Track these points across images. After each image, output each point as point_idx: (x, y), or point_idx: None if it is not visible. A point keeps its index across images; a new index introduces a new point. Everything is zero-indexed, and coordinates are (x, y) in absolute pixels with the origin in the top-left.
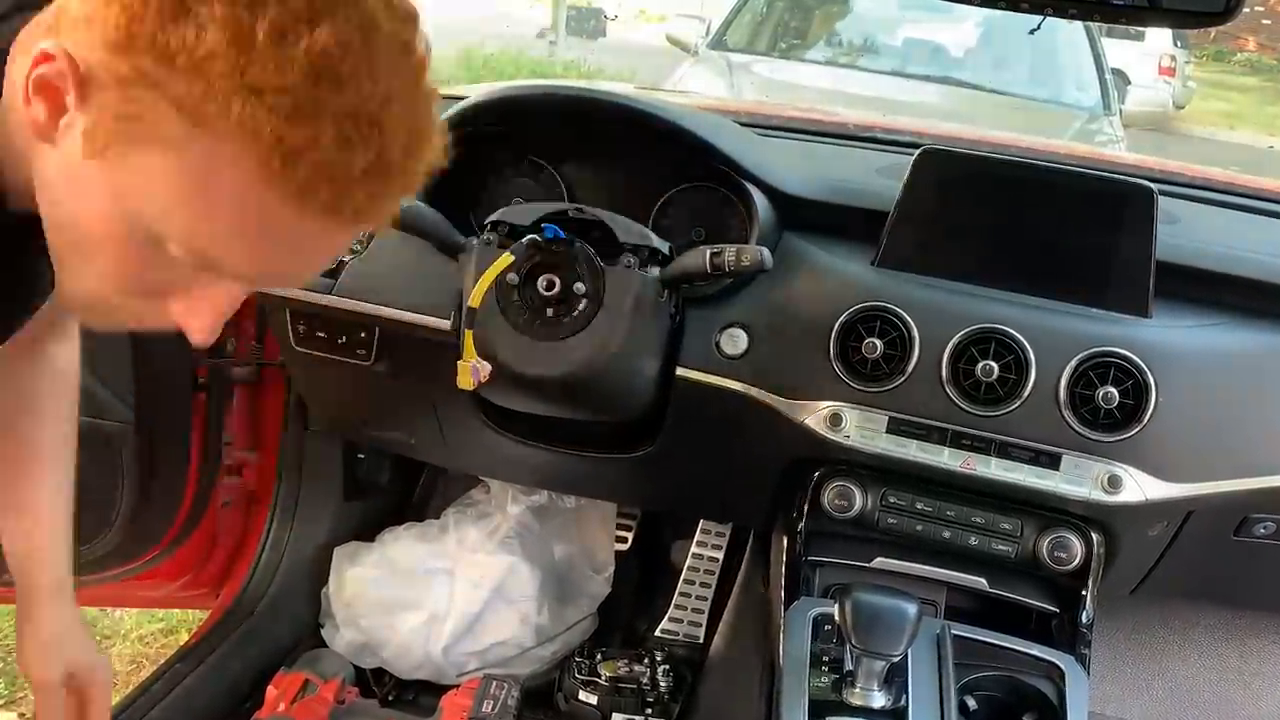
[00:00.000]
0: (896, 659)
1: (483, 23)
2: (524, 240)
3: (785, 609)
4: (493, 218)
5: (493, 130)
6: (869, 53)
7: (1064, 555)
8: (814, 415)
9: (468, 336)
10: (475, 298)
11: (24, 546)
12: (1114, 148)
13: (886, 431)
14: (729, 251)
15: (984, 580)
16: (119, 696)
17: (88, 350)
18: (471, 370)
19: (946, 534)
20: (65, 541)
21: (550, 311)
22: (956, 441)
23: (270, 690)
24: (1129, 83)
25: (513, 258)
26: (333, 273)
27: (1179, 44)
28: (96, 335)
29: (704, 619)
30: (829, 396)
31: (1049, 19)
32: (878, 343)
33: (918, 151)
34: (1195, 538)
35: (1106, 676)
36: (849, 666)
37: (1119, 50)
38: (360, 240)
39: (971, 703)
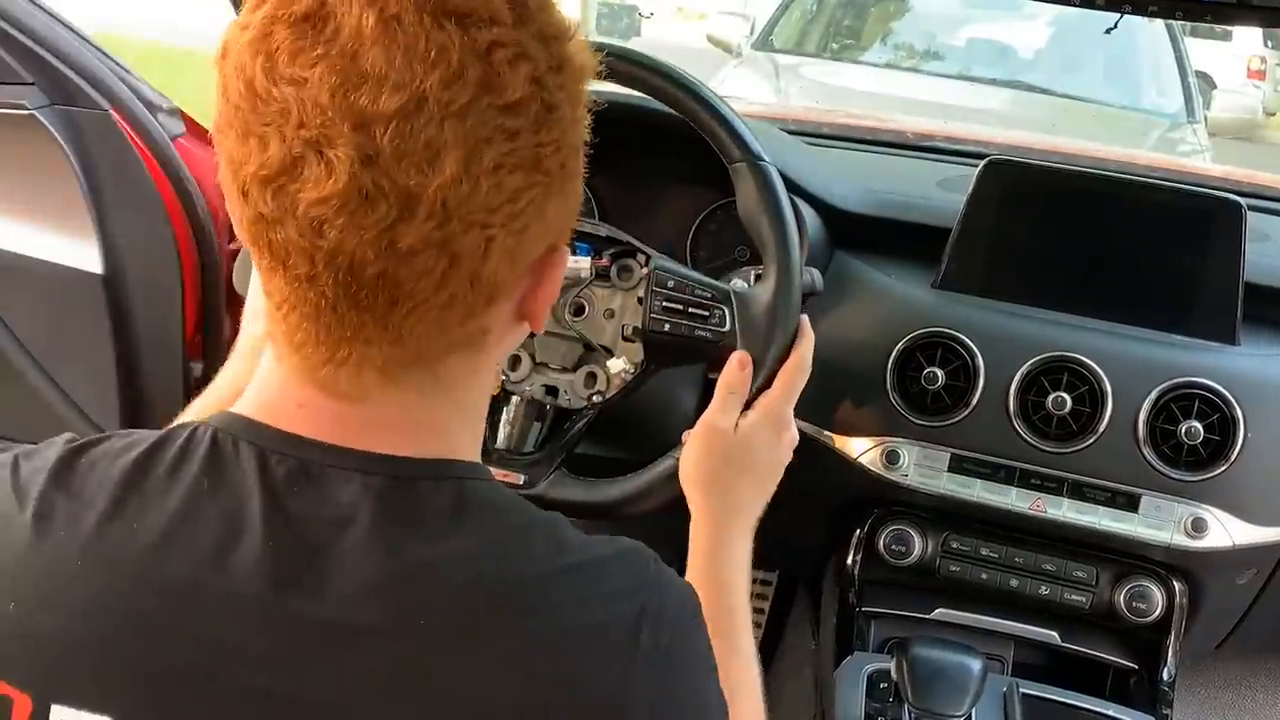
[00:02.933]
0: None
1: None
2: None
3: (837, 665)
4: None
5: None
6: (929, 54)
7: (1143, 606)
8: (869, 452)
9: None
10: None
11: None
12: (1198, 158)
13: (948, 470)
14: None
15: (1055, 633)
16: None
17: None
18: None
19: (1014, 583)
20: None
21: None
22: (1025, 481)
23: None
24: (1215, 87)
25: None
26: None
27: (1270, 44)
28: (73, 362)
29: None
30: (885, 431)
31: (1127, 17)
32: (939, 372)
33: (983, 162)
34: None
35: None
36: None
37: (1204, 51)
38: None
39: None
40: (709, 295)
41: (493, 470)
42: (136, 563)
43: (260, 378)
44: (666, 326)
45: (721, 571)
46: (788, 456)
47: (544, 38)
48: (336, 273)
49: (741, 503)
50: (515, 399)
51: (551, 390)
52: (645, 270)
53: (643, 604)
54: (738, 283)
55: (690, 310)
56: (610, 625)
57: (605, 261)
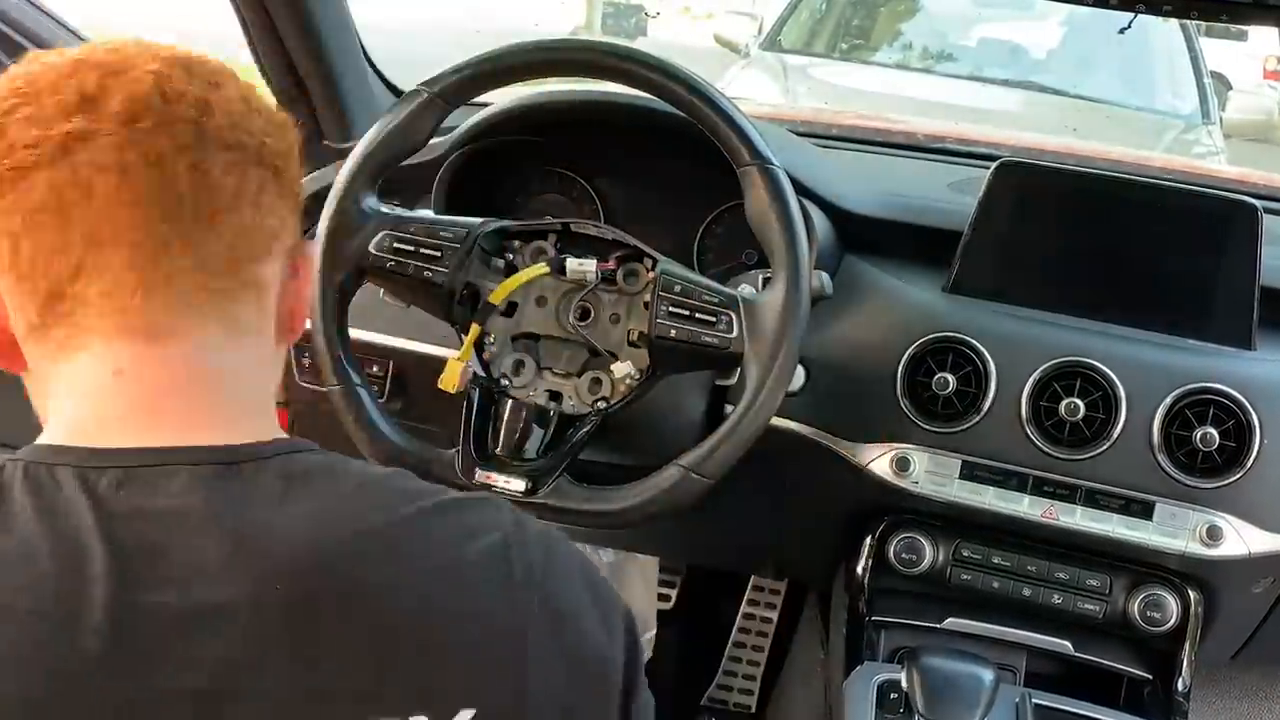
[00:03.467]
0: None
1: (509, 24)
2: (563, 259)
3: (846, 675)
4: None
5: (519, 141)
6: (940, 54)
7: (1158, 615)
8: (879, 459)
9: (473, 332)
10: (498, 295)
11: None
12: (1214, 160)
13: (959, 477)
14: None
15: (1068, 643)
16: None
17: None
18: (462, 372)
19: (1026, 592)
20: None
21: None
22: (1038, 488)
23: None
24: (1230, 88)
25: (548, 269)
26: None
27: None
28: None
29: (756, 686)
30: (895, 438)
31: (1141, 16)
32: (950, 378)
33: (995, 164)
34: None
35: None
36: None
37: (1219, 52)
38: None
39: None
40: (716, 301)
41: (494, 476)
42: None
43: (66, 393)
44: (673, 332)
45: None
46: None
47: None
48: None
49: None
50: (517, 404)
51: (555, 396)
52: (651, 275)
53: (504, 534)
54: (745, 288)
55: (697, 316)
56: (478, 560)
57: (611, 265)
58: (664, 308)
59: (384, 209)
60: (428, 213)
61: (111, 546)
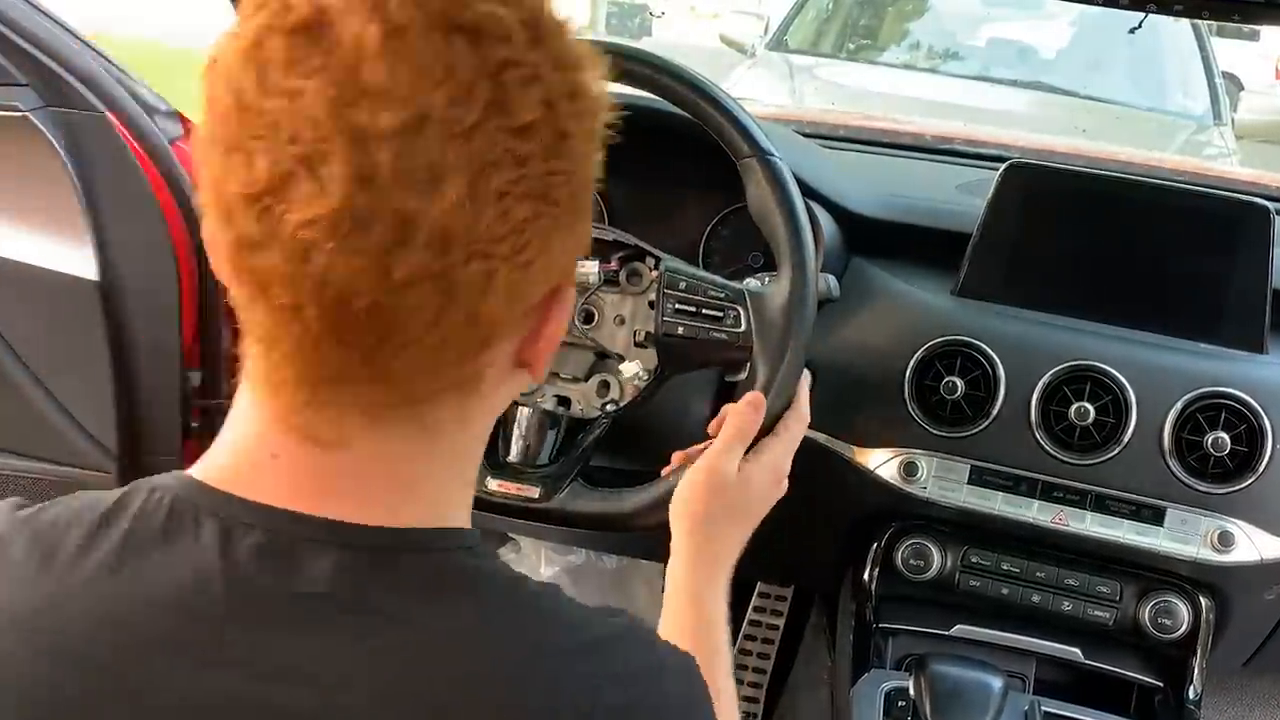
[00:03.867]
0: None
1: None
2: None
3: (853, 682)
4: None
5: None
6: (948, 54)
7: (1169, 622)
8: (886, 464)
9: None
10: None
11: None
12: (1225, 161)
13: (968, 482)
14: None
15: (1078, 650)
16: None
17: (61, 389)
18: None
19: (1036, 598)
20: None
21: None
22: (1047, 493)
23: None
24: (1242, 88)
25: None
26: None
27: None
28: (68, 370)
29: (762, 694)
30: (903, 443)
31: (1152, 16)
32: (958, 382)
33: (1004, 166)
34: None
35: None
36: None
37: (1231, 52)
38: None
39: None
40: (722, 295)
41: (506, 484)
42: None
43: (232, 425)
44: (680, 329)
45: (708, 612)
46: (770, 507)
47: (560, 63)
48: (323, 303)
49: (730, 545)
50: (527, 411)
51: (564, 401)
52: (655, 274)
53: (644, 690)
54: (751, 282)
55: (704, 312)
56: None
57: (614, 265)
58: (670, 305)
59: None
60: None
61: (240, 622)
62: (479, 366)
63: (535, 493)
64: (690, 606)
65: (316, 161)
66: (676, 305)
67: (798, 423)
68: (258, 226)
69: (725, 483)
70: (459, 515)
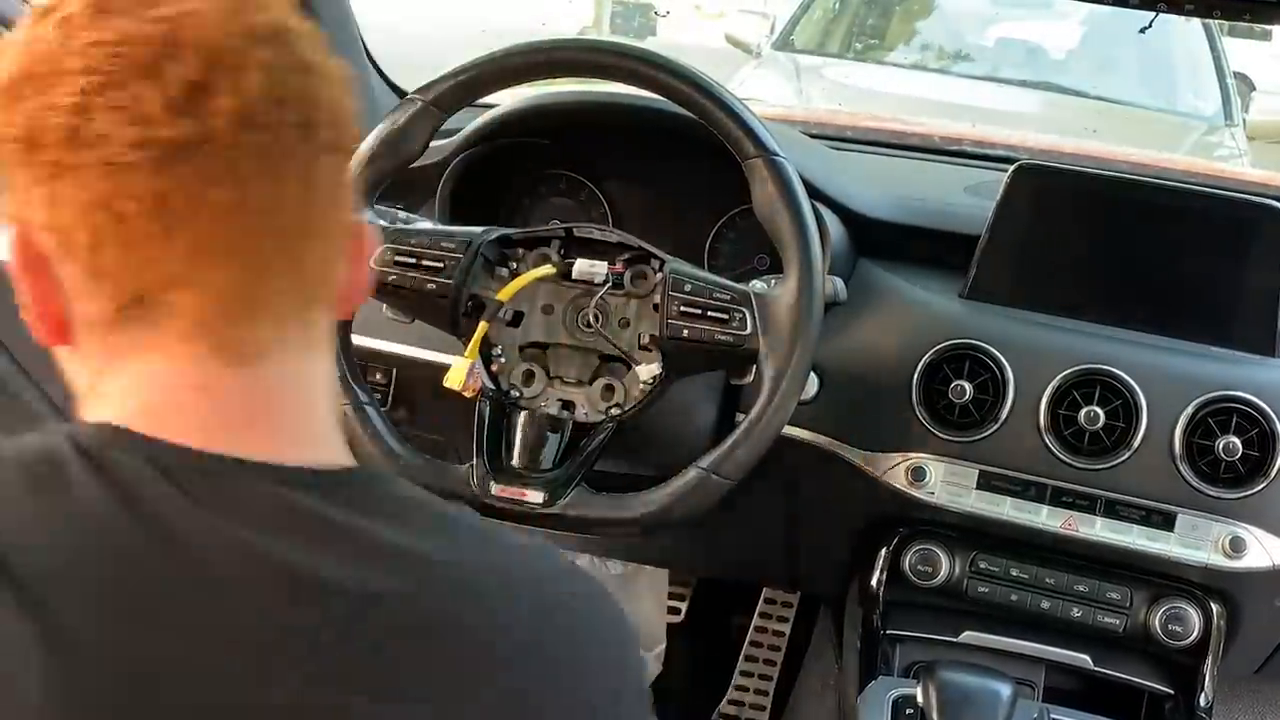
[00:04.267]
0: None
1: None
2: (569, 262)
3: (860, 689)
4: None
5: (525, 144)
6: (957, 54)
7: (1179, 629)
8: (894, 469)
9: (480, 329)
10: (506, 292)
11: None
12: (1237, 163)
13: (977, 487)
14: None
15: (1088, 657)
16: None
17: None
18: (468, 371)
19: (1045, 604)
20: None
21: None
22: (1057, 499)
23: None
24: (1254, 88)
25: (554, 270)
26: None
27: None
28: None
29: (768, 701)
30: (911, 447)
31: (1162, 16)
32: (967, 386)
33: (1012, 167)
34: None
35: None
36: None
37: (1243, 52)
38: None
39: None
40: (728, 297)
41: (510, 489)
42: None
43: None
44: (685, 332)
45: None
46: None
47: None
48: None
49: None
50: (530, 415)
51: (568, 405)
52: (660, 275)
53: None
54: (757, 284)
55: (709, 314)
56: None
57: (619, 268)
58: (675, 307)
59: (382, 223)
60: (427, 224)
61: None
62: (336, 275)
63: (539, 498)
64: None
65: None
66: (681, 307)
67: None
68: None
69: None
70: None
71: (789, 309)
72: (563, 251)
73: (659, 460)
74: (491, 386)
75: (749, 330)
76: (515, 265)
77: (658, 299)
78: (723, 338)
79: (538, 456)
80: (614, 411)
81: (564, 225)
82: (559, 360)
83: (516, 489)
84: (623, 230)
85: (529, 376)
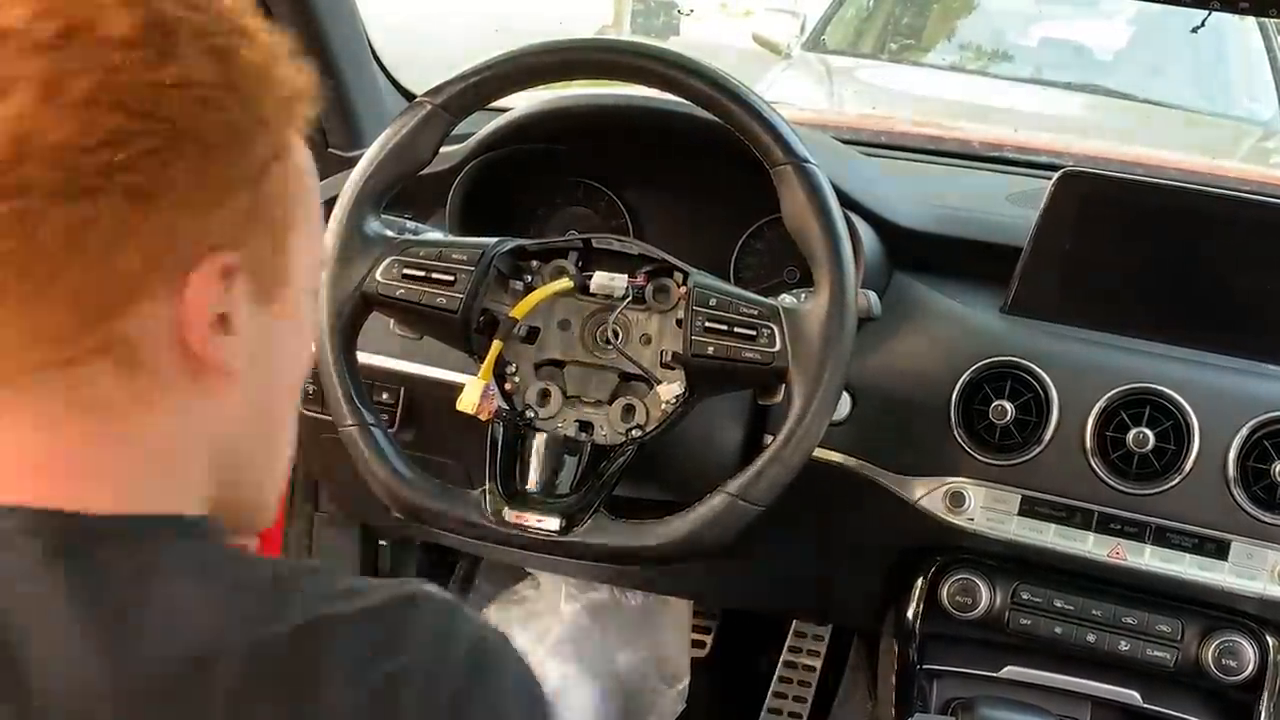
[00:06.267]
0: None
1: (531, 23)
2: (587, 276)
3: None
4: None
5: (540, 149)
6: (998, 55)
7: (1233, 663)
8: (931, 494)
9: (494, 349)
10: (521, 309)
11: None
12: None
13: (1018, 513)
14: None
15: (1137, 693)
16: None
17: None
18: (482, 392)
19: (1091, 638)
20: None
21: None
22: (1103, 525)
23: None
24: None
25: (572, 284)
26: None
27: None
28: None
29: None
30: (949, 471)
31: (1215, 14)
32: (1008, 406)
33: (1057, 174)
34: None
35: None
36: None
37: None
38: None
39: None
40: (755, 313)
41: (525, 516)
42: None
43: None
44: (710, 349)
45: None
46: None
47: None
48: None
49: None
50: (545, 437)
51: (586, 426)
52: (683, 289)
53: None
54: (786, 298)
55: (735, 330)
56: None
57: (640, 281)
58: (699, 323)
59: (389, 233)
60: (437, 234)
61: None
62: (123, 331)
63: (555, 525)
64: None
65: None
66: (706, 323)
67: None
68: None
69: None
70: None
71: (820, 325)
72: (580, 264)
73: (682, 485)
74: (505, 407)
75: (777, 347)
76: (530, 278)
77: (681, 314)
78: (750, 355)
79: (554, 481)
80: (635, 433)
81: (581, 236)
82: (577, 379)
83: (531, 515)
84: (644, 240)
85: (545, 396)
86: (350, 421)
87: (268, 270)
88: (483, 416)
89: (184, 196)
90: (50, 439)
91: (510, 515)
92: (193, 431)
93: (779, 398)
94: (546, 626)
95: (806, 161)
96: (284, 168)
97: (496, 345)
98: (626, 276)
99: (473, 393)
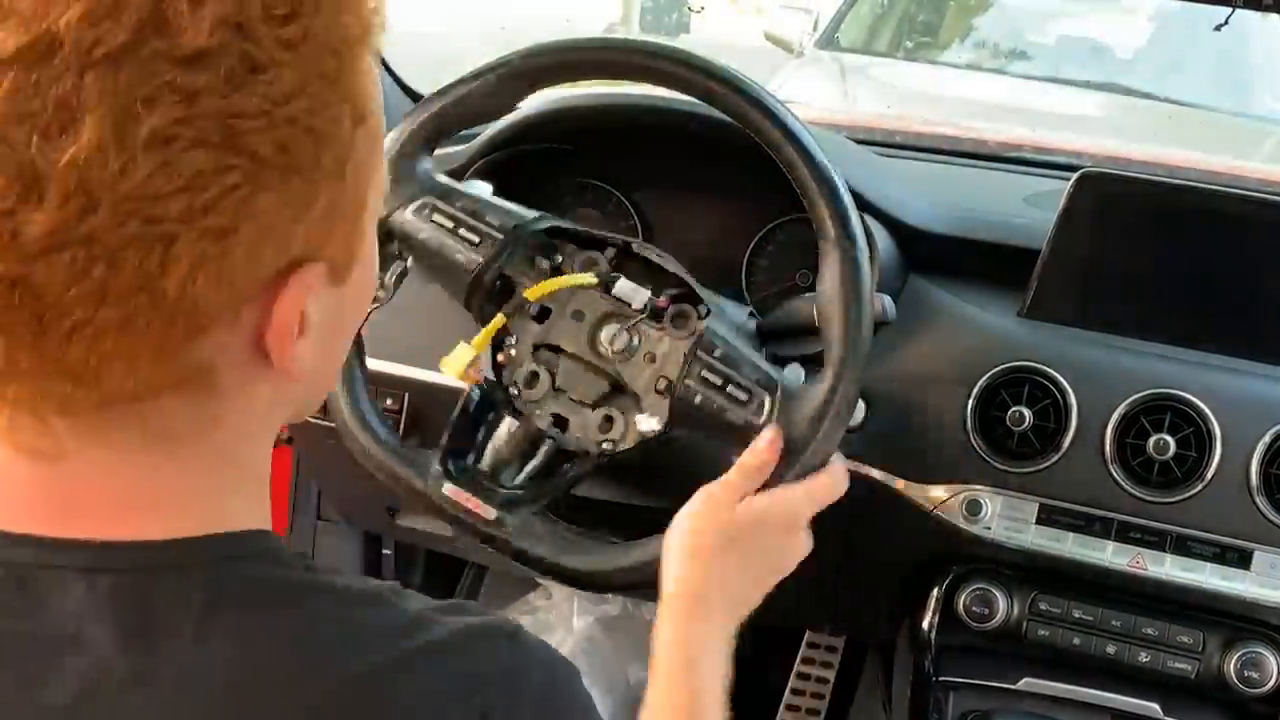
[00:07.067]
0: None
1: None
2: (614, 277)
3: None
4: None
5: (550, 149)
6: (1015, 53)
7: (1256, 675)
8: (947, 502)
9: (495, 321)
10: (536, 291)
11: None
12: None
13: (1036, 522)
14: None
15: (1157, 706)
16: None
17: None
18: (471, 360)
19: (1111, 649)
20: None
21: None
22: (1123, 534)
23: None
24: None
25: (596, 281)
26: None
27: None
28: None
29: None
30: (965, 479)
31: (1240, 11)
32: (1026, 412)
33: (1075, 175)
34: None
35: None
36: None
37: None
38: (386, 284)
39: None
40: (754, 379)
41: (462, 494)
42: None
43: None
44: (698, 398)
45: (695, 666)
46: (789, 566)
47: None
48: None
49: (732, 591)
50: (514, 422)
51: (560, 422)
52: (699, 325)
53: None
54: (790, 373)
55: (728, 388)
56: None
57: (664, 303)
58: (697, 369)
59: (435, 176)
60: (485, 189)
61: None
62: (199, 359)
63: (490, 514)
64: (677, 659)
65: None
66: (704, 371)
67: (829, 488)
68: None
69: (726, 514)
70: (242, 524)
71: (811, 417)
72: (613, 262)
73: (657, 494)
74: (491, 377)
75: (762, 420)
76: (559, 259)
77: (687, 349)
78: (732, 418)
79: (505, 467)
80: (605, 446)
81: (624, 238)
82: (569, 373)
83: (469, 496)
84: (652, 242)
85: (533, 378)
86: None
87: (343, 256)
88: (464, 384)
89: (267, 223)
90: (119, 470)
91: (449, 489)
92: (257, 423)
93: None
94: (558, 640)
95: (855, 244)
96: (365, 133)
97: (500, 319)
98: (649, 292)
99: (461, 357)
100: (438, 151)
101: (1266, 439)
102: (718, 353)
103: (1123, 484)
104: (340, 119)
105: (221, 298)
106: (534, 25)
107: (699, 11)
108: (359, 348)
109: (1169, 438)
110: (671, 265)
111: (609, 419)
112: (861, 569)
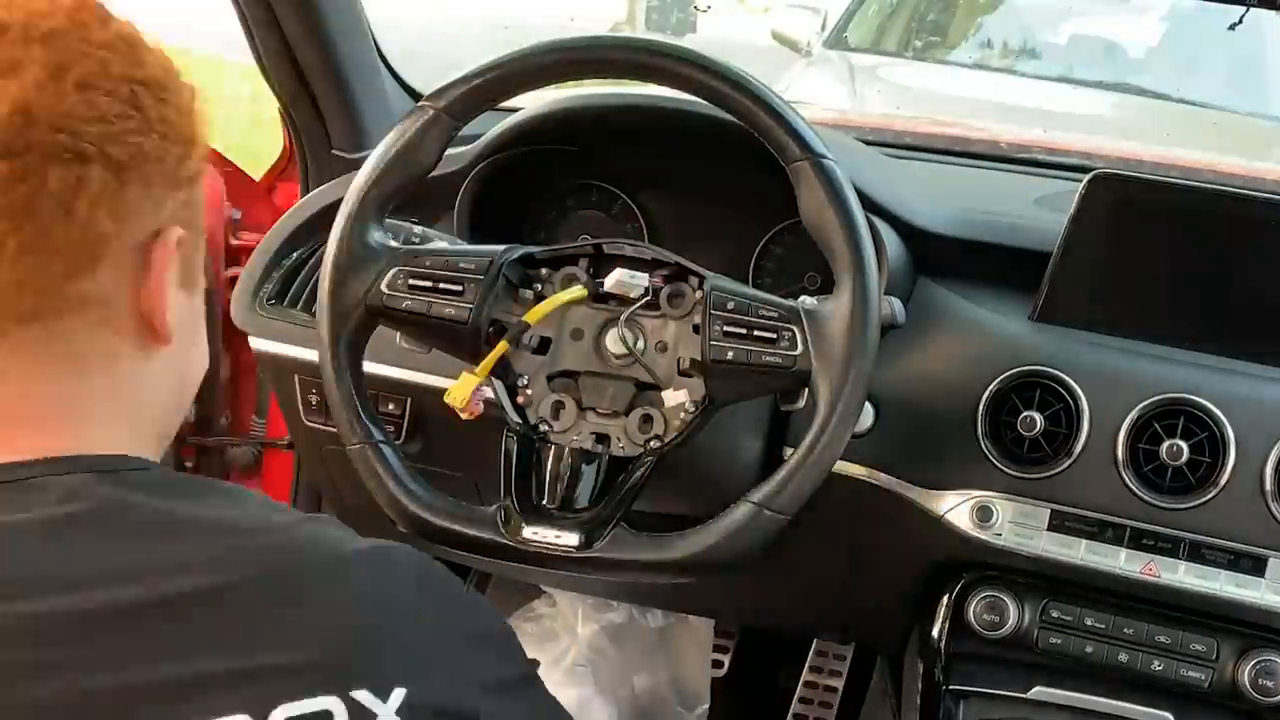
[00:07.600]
0: None
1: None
2: (600, 281)
3: None
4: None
5: (551, 151)
6: (1026, 53)
7: (1270, 684)
8: (957, 508)
9: (498, 349)
10: (535, 314)
11: None
12: None
13: (1048, 528)
14: None
15: (1170, 715)
16: None
17: None
18: (474, 393)
19: (1123, 657)
20: None
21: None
22: (1136, 541)
23: None
24: None
25: (586, 292)
26: None
27: None
28: None
29: None
30: (976, 484)
31: (1254, 10)
32: (1037, 417)
33: (1088, 177)
34: None
35: None
36: None
37: None
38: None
39: None
40: (775, 315)
41: (543, 531)
42: None
43: None
44: (730, 354)
45: None
46: None
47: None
48: None
49: None
50: (560, 450)
51: (603, 438)
52: (699, 294)
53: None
54: (806, 300)
55: (755, 334)
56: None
57: (659, 282)
58: (717, 328)
59: (393, 243)
60: (443, 243)
61: None
62: (97, 289)
63: (575, 540)
64: None
65: None
66: (725, 327)
67: None
68: None
69: None
70: (128, 449)
71: (843, 325)
72: (591, 270)
73: (701, 499)
74: (518, 421)
75: (799, 350)
76: (540, 286)
77: (698, 319)
78: (771, 359)
79: (572, 495)
80: (654, 443)
81: (592, 241)
82: (591, 390)
83: (550, 531)
84: (659, 244)
85: (558, 408)
86: (357, 440)
87: (191, 262)
88: (466, 415)
89: (151, 174)
90: (43, 389)
91: (528, 532)
92: (144, 388)
93: (802, 403)
94: (563, 648)
95: (824, 157)
96: (202, 182)
97: (501, 346)
98: (647, 275)
99: (464, 388)
100: (450, 152)
101: None
102: (731, 305)
103: (1135, 490)
104: (194, 144)
105: (114, 230)
106: (537, 24)
107: (705, 10)
108: (374, 420)
109: (1182, 443)
110: (650, 252)
111: (646, 418)
112: (870, 576)
